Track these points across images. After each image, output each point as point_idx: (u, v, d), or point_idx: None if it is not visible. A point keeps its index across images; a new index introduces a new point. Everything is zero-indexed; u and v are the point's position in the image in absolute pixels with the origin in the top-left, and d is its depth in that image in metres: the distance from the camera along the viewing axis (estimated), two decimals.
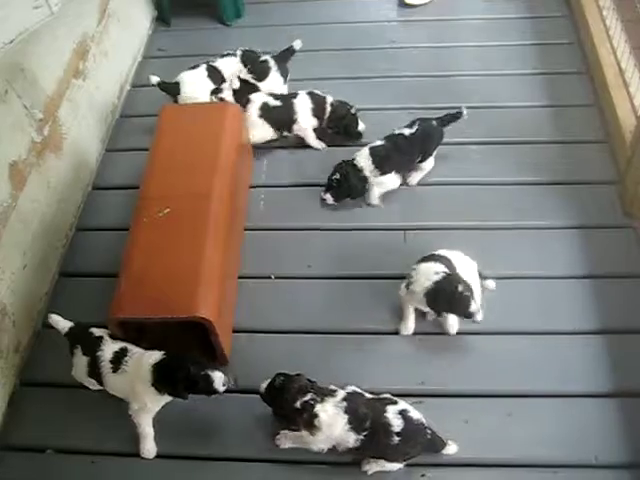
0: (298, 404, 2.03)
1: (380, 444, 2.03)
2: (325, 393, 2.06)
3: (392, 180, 2.89)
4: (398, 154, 2.85)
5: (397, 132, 2.89)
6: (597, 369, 2.35)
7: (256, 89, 3.19)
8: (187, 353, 2.16)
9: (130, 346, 2.24)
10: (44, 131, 2.78)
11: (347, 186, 2.85)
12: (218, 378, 2.09)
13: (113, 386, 2.24)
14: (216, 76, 3.26)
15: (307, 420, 2.03)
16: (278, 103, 3.09)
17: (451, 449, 2.12)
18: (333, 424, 2.01)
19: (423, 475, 2.16)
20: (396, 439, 2.01)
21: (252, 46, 3.41)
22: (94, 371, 2.23)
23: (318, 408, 2.02)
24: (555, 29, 3.70)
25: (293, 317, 2.59)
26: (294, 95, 3.14)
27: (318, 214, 2.93)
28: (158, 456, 2.28)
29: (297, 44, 3.29)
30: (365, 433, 2.01)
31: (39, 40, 2.68)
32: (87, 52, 3.23)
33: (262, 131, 3.11)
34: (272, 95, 3.13)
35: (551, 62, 3.51)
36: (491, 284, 2.46)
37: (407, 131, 2.87)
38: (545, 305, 2.53)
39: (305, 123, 3.13)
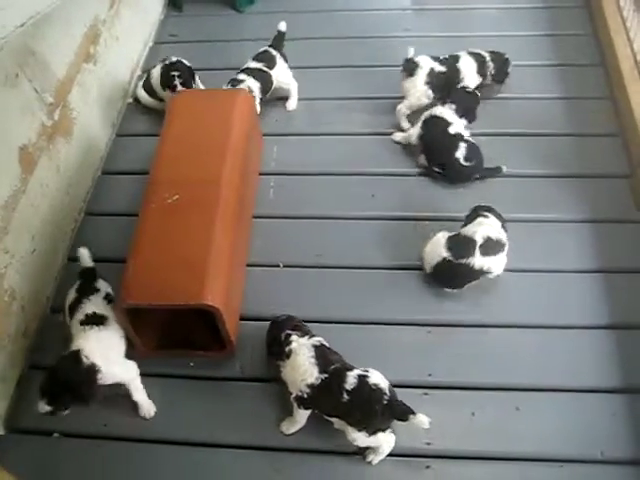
0: (282, 336, 2.20)
1: (332, 397, 2.06)
2: (307, 333, 2.24)
3: None
4: None
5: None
6: (606, 364, 2.34)
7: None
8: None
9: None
10: (54, 115, 2.78)
11: None
12: None
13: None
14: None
15: (284, 350, 2.17)
16: (443, 69, 3.09)
17: (420, 420, 2.02)
18: (300, 354, 2.12)
19: (428, 467, 2.16)
20: (345, 397, 2.03)
21: (264, 33, 3.39)
22: (70, 308, 2.34)
23: (293, 338, 2.17)
24: (570, 20, 3.66)
25: (301, 306, 2.57)
26: (456, 58, 3.14)
27: (328, 203, 2.92)
28: (164, 442, 2.29)
29: (282, 26, 3.28)
30: (326, 376, 2.08)
31: (50, 24, 2.67)
32: (98, 36, 3.22)
33: (423, 98, 3.11)
34: (436, 60, 3.13)
35: (565, 53, 3.47)
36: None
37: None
38: (555, 299, 2.52)
39: (472, 83, 3.13)
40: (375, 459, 2.16)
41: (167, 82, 3.18)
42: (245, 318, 2.55)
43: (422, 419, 2.02)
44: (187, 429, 2.31)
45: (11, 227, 2.44)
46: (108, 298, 2.36)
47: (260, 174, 3.05)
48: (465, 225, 2.54)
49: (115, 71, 3.40)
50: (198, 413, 2.34)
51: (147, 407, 2.33)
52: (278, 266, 2.73)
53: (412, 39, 3.65)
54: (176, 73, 3.15)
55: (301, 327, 2.26)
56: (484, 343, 2.42)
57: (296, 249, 2.77)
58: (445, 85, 3.06)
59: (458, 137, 2.85)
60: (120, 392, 2.30)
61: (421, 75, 3.05)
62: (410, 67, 3.07)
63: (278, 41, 3.28)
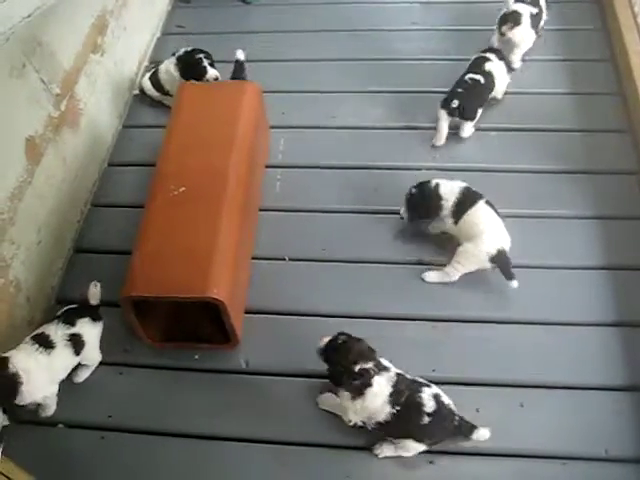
0: (357, 368, 2.01)
1: (410, 422, 2.04)
2: (381, 367, 2.06)
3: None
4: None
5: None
6: (611, 362, 2.33)
7: None
8: None
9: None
10: (61, 106, 2.77)
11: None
12: None
13: None
14: None
15: (358, 387, 2.03)
16: (536, 10, 3.24)
17: (482, 434, 2.09)
18: (379, 396, 2.02)
19: (431, 462, 2.15)
20: (426, 419, 2.01)
21: (271, 25, 3.37)
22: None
23: (375, 379, 2.02)
24: (580, 14, 3.63)
25: (306, 300, 2.58)
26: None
27: (334, 196, 2.91)
28: (169, 434, 2.29)
29: (240, 54, 3.06)
30: (398, 408, 2.02)
31: (57, 14, 2.66)
32: (106, 27, 3.21)
33: (529, 41, 3.29)
34: (526, 3, 3.23)
35: (575, 48, 3.44)
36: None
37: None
38: (562, 295, 2.51)
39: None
40: (383, 453, 2.16)
41: (193, 67, 3.10)
42: (250, 311, 2.55)
43: (484, 433, 2.08)
44: (191, 421, 2.31)
45: (17, 218, 2.44)
46: (74, 339, 2.26)
47: (267, 167, 3.04)
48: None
49: (122, 62, 3.40)
50: (202, 406, 2.34)
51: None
52: (284, 259, 2.72)
53: (419, 32, 3.64)
54: (202, 55, 3.11)
55: (373, 356, 2.07)
56: (489, 339, 2.41)
57: (302, 242, 2.76)
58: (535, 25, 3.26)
59: None
60: (124, 384, 2.31)
61: (525, 21, 3.19)
62: (515, 17, 3.18)
63: (238, 72, 3.07)
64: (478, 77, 2.97)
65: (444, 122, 2.99)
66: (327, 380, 2.14)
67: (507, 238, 2.46)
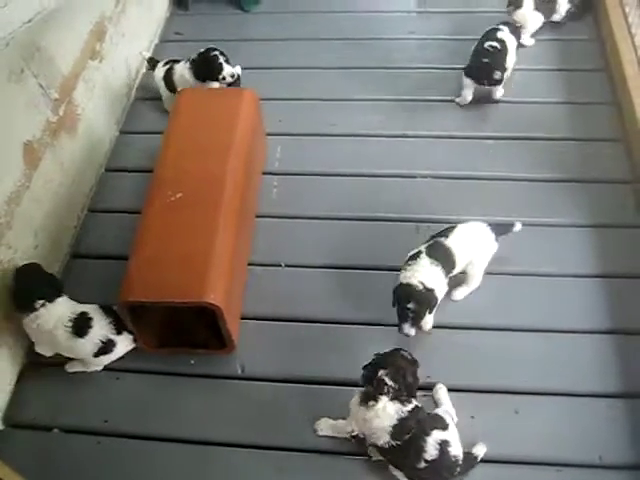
0: (379, 374, 1.97)
1: (407, 460, 2.01)
2: (399, 395, 1.97)
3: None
4: None
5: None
6: (606, 369, 2.34)
7: None
8: None
9: None
10: (59, 111, 2.78)
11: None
12: None
13: None
14: None
15: (367, 393, 1.99)
16: None
17: (479, 450, 2.11)
18: (380, 420, 1.97)
19: None
20: (423, 464, 1.98)
21: (270, 33, 3.38)
22: None
23: (383, 399, 1.96)
24: (575, 25, 3.64)
25: (302, 306, 2.58)
26: None
27: (331, 203, 2.92)
28: (164, 439, 2.29)
29: (238, 69, 3.16)
30: (399, 443, 1.97)
31: (56, 19, 2.66)
32: (104, 33, 3.22)
33: (535, 22, 3.52)
34: None
35: (570, 58, 3.47)
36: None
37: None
38: (556, 303, 2.52)
39: None
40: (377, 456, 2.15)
41: (209, 64, 3.09)
42: (246, 317, 2.55)
43: (481, 449, 2.12)
44: (187, 427, 2.31)
45: (14, 222, 2.44)
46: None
47: (263, 173, 3.05)
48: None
49: (120, 68, 3.41)
50: (198, 411, 2.35)
51: None
52: (280, 266, 2.73)
53: (416, 41, 3.67)
54: (217, 52, 3.10)
55: (401, 380, 1.99)
56: (484, 346, 2.42)
57: (298, 249, 2.77)
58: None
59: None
60: (120, 389, 2.31)
61: (527, 3, 3.42)
62: (516, 0, 3.42)
63: (233, 86, 3.14)
64: (495, 44, 3.11)
65: (469, 89, 3.21)
66: (324, 386, 2.14)
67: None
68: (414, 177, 2.98)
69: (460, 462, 2.03)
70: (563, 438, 2.19)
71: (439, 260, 2.33)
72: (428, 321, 2.42)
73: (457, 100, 3.27)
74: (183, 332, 2.50)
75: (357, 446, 2.18)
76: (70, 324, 2.28)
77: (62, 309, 2.32)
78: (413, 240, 2.69)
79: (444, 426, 2.03)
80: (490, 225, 2.47)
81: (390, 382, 1.96)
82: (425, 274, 2.30)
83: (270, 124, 3.14)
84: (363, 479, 2.17)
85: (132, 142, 3.30)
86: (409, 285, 2.28)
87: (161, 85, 3.30)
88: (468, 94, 3.23)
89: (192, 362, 2.46)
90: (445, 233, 2.42)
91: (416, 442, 1.97)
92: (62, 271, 2.78)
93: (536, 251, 2.67)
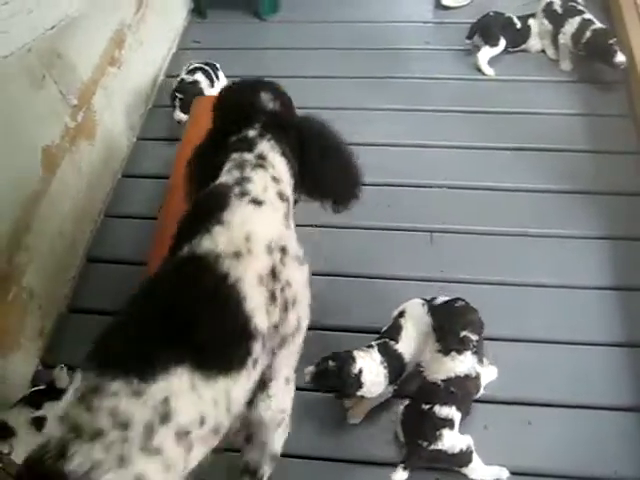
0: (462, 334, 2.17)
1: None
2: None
3: None
4: None
5: None
6: (621, 382, 2.32)
7: None
8: None
9: None
10: (78, 117, 2.81)
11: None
12: None
13: None
14: None
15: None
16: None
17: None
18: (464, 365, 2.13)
19: (437, 479, 2.14)
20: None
21: (287, 42, 3.40)
22: None
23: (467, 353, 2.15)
24: None
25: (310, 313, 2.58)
26: None
27: (347, 212, 2.91)
28: None
29: None
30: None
31: (77, 27, 2.69)
32: (124, 41, 3.25)
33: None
34: None
35: (586, 69, 3.46)
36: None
37: None
38: (570, 315, 2.50)
39: None
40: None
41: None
42: None
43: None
44: None
45: (32, 226, 2.47)
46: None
47: None
48: None
49: (138, 75, 3.45)
50: None
51: None
52: None
53: (432, 52, 3.67)
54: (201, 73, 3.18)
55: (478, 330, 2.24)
56: (497, 356, 2.40)
57: (314, 258, 2.76)
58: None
59: None
60: None
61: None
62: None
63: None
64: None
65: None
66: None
67: None
68: (429, 187, 2.98)
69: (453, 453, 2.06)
70: (577, 451, 2.17)
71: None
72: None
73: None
74: None
75: (361, 454, 2.18)
76: None
77: None
78: (427, 249, 2.70)
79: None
80: None
81: (473, 337, 2.16)
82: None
83: None
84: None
85: (149, 149, 3.33)
86: None
87: None
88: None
89: None
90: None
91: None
92: (78, 275, 2.80)
93: (550, 263, 2.66)
